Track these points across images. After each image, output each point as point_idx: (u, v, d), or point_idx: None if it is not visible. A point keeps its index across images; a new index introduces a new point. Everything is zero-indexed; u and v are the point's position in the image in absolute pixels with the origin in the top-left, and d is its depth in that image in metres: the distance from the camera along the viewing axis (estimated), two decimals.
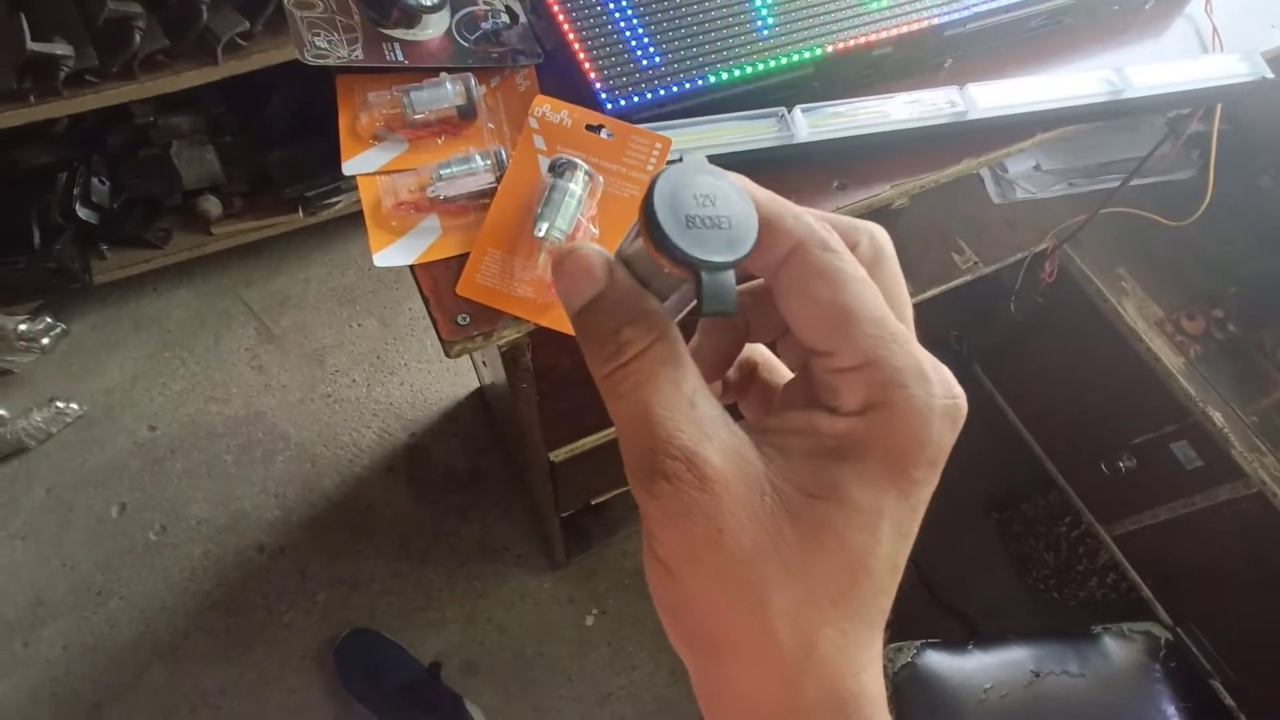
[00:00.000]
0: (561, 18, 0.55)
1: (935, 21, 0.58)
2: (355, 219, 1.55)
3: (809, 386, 0.21)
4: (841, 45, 0.56)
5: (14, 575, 1.30)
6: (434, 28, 0.56)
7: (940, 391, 0.19)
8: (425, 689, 1.21)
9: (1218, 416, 0.98)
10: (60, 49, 1.01)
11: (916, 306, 1.13)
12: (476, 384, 1.51)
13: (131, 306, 1.53)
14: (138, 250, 1.40)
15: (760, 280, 0.24)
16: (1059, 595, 1.37)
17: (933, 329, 1.45)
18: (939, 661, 0.98)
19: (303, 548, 1.36)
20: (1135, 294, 1.08)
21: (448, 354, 0.49)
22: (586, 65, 0.54)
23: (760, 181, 0.21)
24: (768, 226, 0.20)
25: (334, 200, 1.44)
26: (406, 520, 1.40)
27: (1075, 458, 1.28)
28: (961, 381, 0.20)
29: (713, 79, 0.54)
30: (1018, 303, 1.19)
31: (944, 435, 0.20)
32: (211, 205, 1.39)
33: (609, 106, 0.53)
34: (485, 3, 0.57)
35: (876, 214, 0.77)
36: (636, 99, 0.53)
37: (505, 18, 0.57)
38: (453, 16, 0.57)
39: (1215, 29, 0.68)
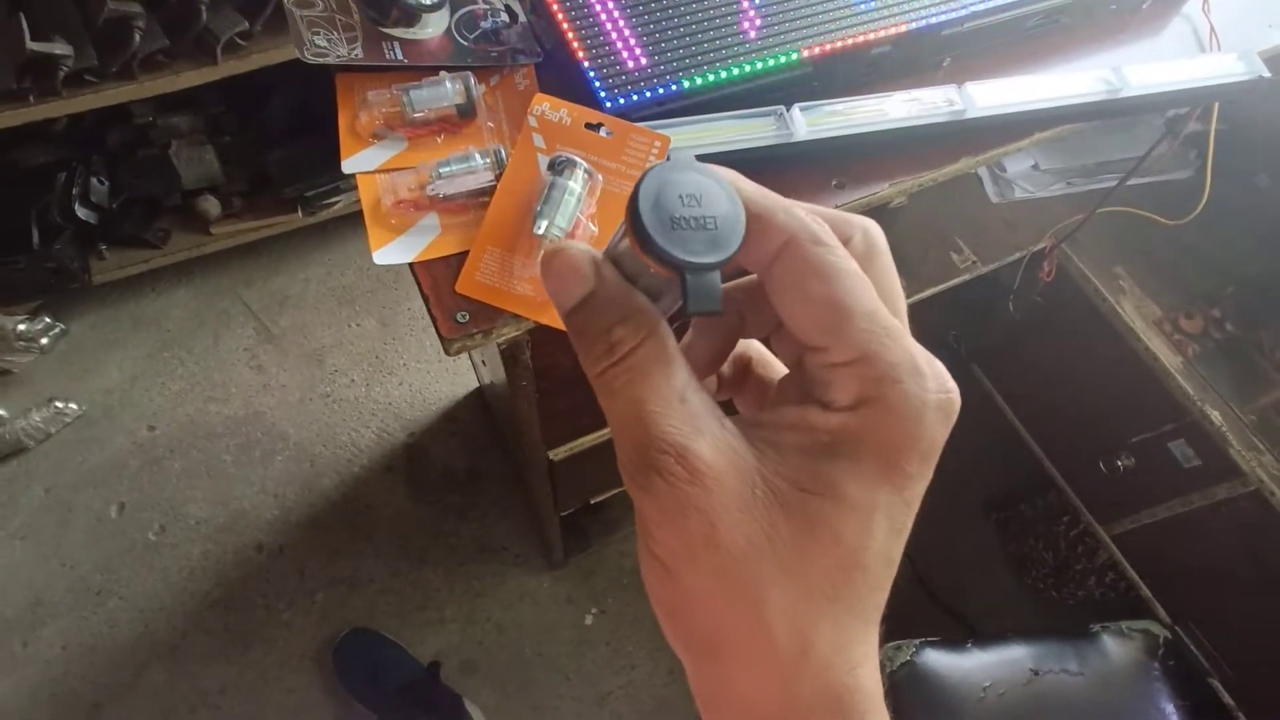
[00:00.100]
0: (560, 16, 0.55)
1: (929, 22, 0.58)
2: (354, 219, 1.55)
3: (803, 382, 0.22)
4: (839, 44, 0.57)
5: (13, 575, 1.30)
6: (433, 26, 0.56)
7: (934, 386, 0.19)
8: (424, 688, 1.22)
9: (1216, 415, 0.98)
10: (60, 49, 1.01)
11: (915, 306, 1.13)
12: (475, 384, 1.51)
13: (130, 306, 1.53)
14: (137, 250, 1.40)
15: (754, 276, 0.24)
16: (1058, 594, 1.37)
17: (931, 328, 1.46)
18: (938, 660, 0.98)
19: (301, 547, 1.36)
20: (1133, 293, 1.08)
21: (447, 352, 0.49)
22: (586, 64, 0.54)
23: (759, 180, 0.21)
24: (758, 222, 0.20)
25: (333, 200, 1.45)
26: (405, 520, 1.40)
27: (1074, 457, 1.28)
28: (960, 381, 0.20)
29: (711, 77, 0.54)
30: (1016, 302, 1.19)
31: (937, 429, 0.20)
32: (211, 205, 1.39)
33: (608, 105, 0.53)
34: (485, 2, 0.58)
35: (875, 212, 0.77)
36: (635, 97, 0.53)
37: (504, 17, 0.57)
38: (452, 15, 0.57)
39: (1213, 28, 0.68)
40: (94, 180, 1.29)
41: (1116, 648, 1.01)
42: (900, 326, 0.20)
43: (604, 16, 0.56)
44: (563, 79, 0.56)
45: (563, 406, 0.78)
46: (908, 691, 0.96)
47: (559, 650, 1.33)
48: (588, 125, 0.52)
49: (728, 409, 0.24)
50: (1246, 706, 1.07)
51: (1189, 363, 1.03)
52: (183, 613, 1.30)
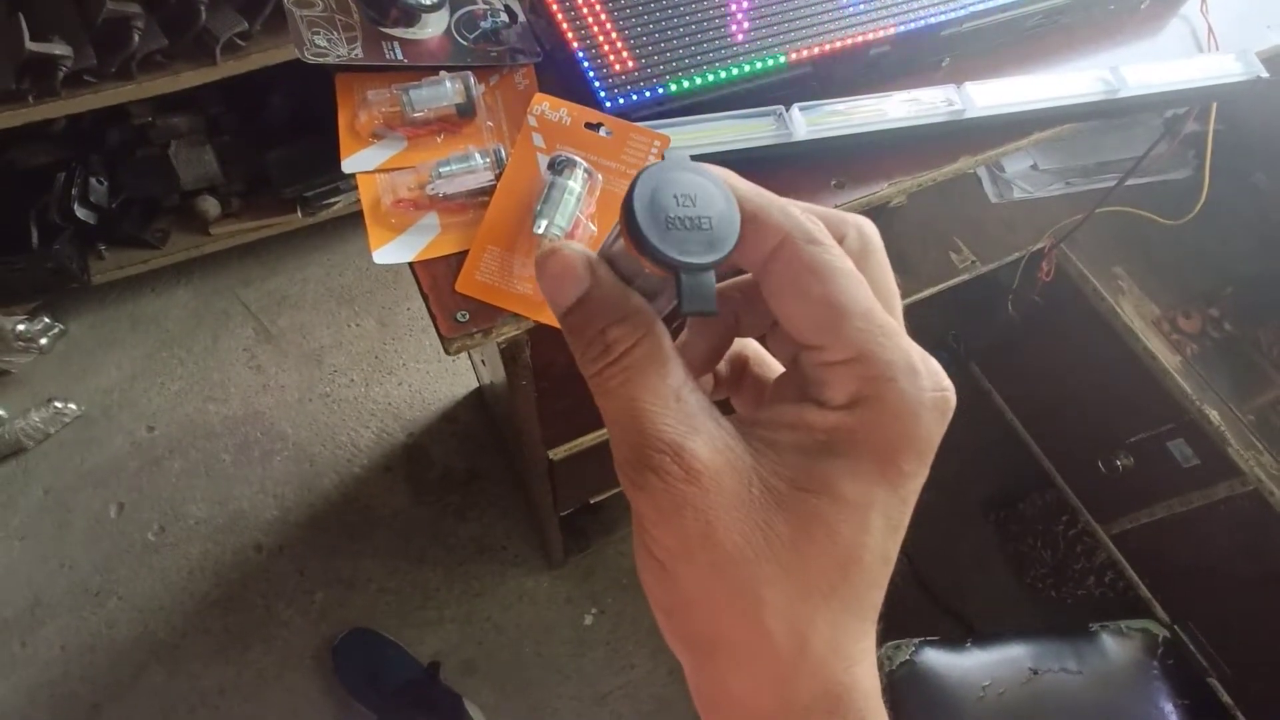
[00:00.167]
0: (560, 16, 0.55)
1: (927, 23, 0.58)
2: (353, 219, 1.55)
3: (799, 380, 0.22)
4: (828, 47, 0.57)
5: (12, 575, 1.30)
6: (433, 27, 0.56)
7: (929, 384, 0.19)
8: (424, 688, 1.22)
9: (1214, 415, 0.98)
10: (59, 49, 1.01)
11: (914, 305, 1.13)
12: (475, 384, 1.51)
13: (129, 306, 1.53)
14: (136, 250, 1.40)
15: (749, 275, 0.24)
16: (1057, 593, 1.37)
17: (930, 328, 1.46)
18: (937, 659, 0.98)
19: (301, 547, 1.36)
20: (1132, 293, 1.08)
21: (447, 351, 0.49)
22: (585, 63, 0.54)
23: (758, 179, 0.21)
24: (753, 221, 0.20)
25: (332, 200, 1.45)
26: (405, 520, 1.40)
27: (1073, 456, 1.29)
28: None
29: (710, 77, 0.55)
30: (1015, 302, 1.19)
31: (933, 428, 0.20)
32: (210, 205, 1.39)
33: (608, 105, 0.53)
34: (484, 2, 0.58)
35: (874, 212, 0.77)
36: (635, 97, 0.53)
37: (504, 17, 0.57)
38: (452, 15, 0.57)
39: (1210, 28, 0.69)
40: (93, 180, 1.29)
41: (1115, 647, 1.01)
42: (896, 325, 0.20)
43: (604, 16, 0.56)
44: (562, 79, 0.56)
45: (562, 406, 0.79)
46: (907, 691, 0.96)
47: (558, 650, 1.33)
48: (587, 125, 0.52)
49: (725, 408, 0.24)
50: (1245, 705, 1.07)
51: (1187, 362, 1.03)
52: (182, 613, 1.30)
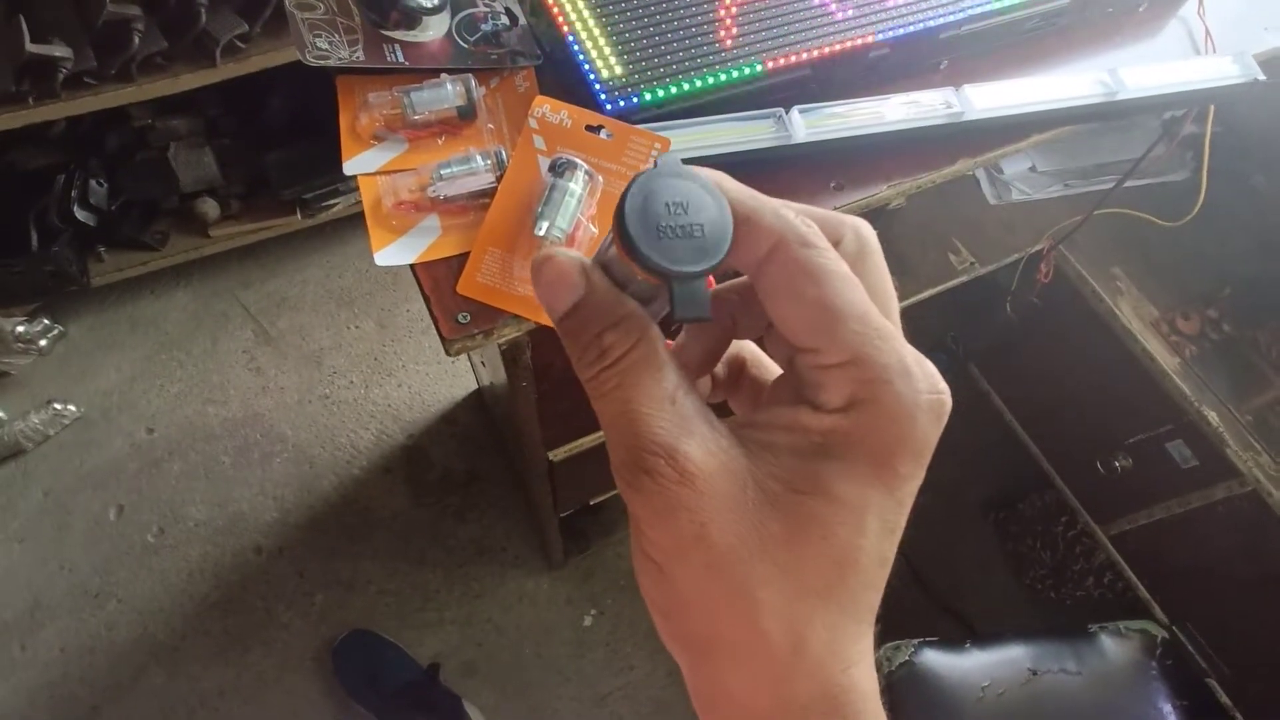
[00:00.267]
0: (560, 19, 0.56)
1: (926, 25, 0.59)
2: (353, 221, 1.55)
3: (795, 383, 0.22)
4: (838, 47, 0.57)
5: (11, 578, 1.30)
6: (434, 29, 0.56)
7: (925, 387, 0.19)
8: (424, 689, 1.22)
9: (1213, 416, 0.99)
10: (59, 51, 1.01)
11: (913, 307, 1.14)
12: (474, 385, 1.51)
13: (129, 308, 1.53)
14: (135, 252, 1.40)
15: (746, 277, 0.24)
16: (1056, 594, 1.37)
17: (929, 329, 1.46)
18: (937, 660, 0.98)
19: (300, 549, 1.36)
20: (1130, 294, 1.08)
21: (448, 352, 0.49)
22: (586, 66, 0.54)
23: (758, 181, 0.21)
24: (746, 224, 0.20)
25: (332, 202, 1.45)
26: (404, 521, 1.40)
27: (1071, 457, 1.29)
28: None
29: (710, 80, 0.55)
30: (1014, 303, 1.20)
31: (929, 430, 0.20)
32: (209, 207, 1.39)
33: (608, 107, 0.53)
34: (485, 4, 0.58)
35: (873, 214, 0.77)
36: (635, 99, 0.53)
37: (505, 19, 0.57)
38: (453, 18, 0.57)
39: (1208, 31, 0.69)
40: (92, 183, 1.29)
41: (1114, 647, 1.01)
42: (891, 328, 0.20)
43: (604, 19, 0.56)
44: (563, 81, 0.56)
45: (562, 407, 0.79)
46: (906, 691, 0.96)
47: (558, 651, 1.33)
48: (588, 127, 0.52)
49: (724, 410, 0.24)
50: (1244, 706, 1.07)
51: (1186, 363, 1.03)
52: (181, 615, 1.30)
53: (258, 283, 1.58)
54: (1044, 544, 1.38)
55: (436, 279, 0.50)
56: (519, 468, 1.35)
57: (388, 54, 0.55)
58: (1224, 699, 1.08)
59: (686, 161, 0.21)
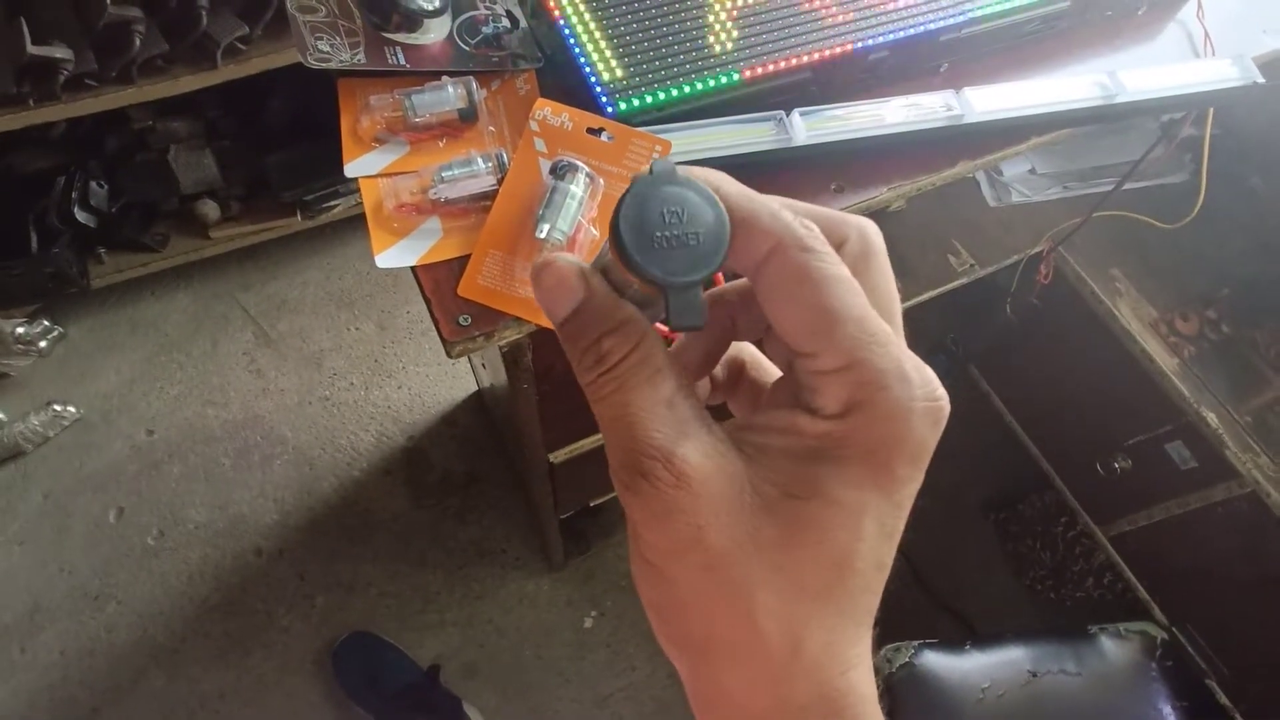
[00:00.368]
0: (561, 22, 0.56)
1: (926, 29, 0.59)
2: (353, 223, 1.56)
3: (793, 386, 0.22)
4: (838, 51, 0.57)
5: (11, 580, 1.30)
6: (435, 32, 0.56)
7: (921, 393, 0.19)
8: (424, 691, 1.21)
9: (1212, 417, 0.99)
10: (60, 53, 1.01)
11: (913, 309, 1.14)
12: (474, 387, 1.51)
13: (129, 310, 1.53)
14: (135, 254, 1.40)
15: (745, 279, 0.24)
16: (1056, 595, 1.37)
17: (929, 331, 1.46)
18: (937, 661, 0.98)
19: (301, 551, 1.36)
20: (1130, 295, 1.09)
21: (449, 354, 0.49)
22: (587, 69, 0.54)
23: (759, 184, 0.21)
24: (744, 227, 0.20)
25: (332, 204, 1.45)
26: (405, 523, 1.40)
27: (1071, 458, 1.29)
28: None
29: (711, 83, 0.55)
30: (1013, 305, 1.20)
31: (925, 435, 0.20)
32: (209, 209, 1.39)
33: (609, 110, 0.53)
34: (486, 7, 0.58)
35: (873, 216, 0.77)
36: (636, 102, 0.53)
37: (506, 22, 0.57)
38: (454, 21, 0.57)
39: (1207, 34, 0.69)
40: (92, 184, 1.29)
41: (1114, 649, 1.01)
42: (889, 332, 0.20)
43: (605, 21, 0.56)
44: (564, 84, 0.56)
45: (563, 409, 0.79)
46: (907, 693, 0.96)
47: (559, 653, 1.33)
48: (589, 130, 0.52)
49: (723, 413, 0.24)
50: (1243, 707, 1.07)
51: (1185, 364, 1.03)
52: (181, 617, 1.30)
53: (258, 284, 1.58)
54: (1044, 545, 1.39)
55: (438, 281, 0.50)
56: (519, 469, 1.35)
57: (389, 56, 0.55)
58: (1224, 700, 1.08)
59: (688, 164, 0.21)
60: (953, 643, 1.01)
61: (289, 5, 0.54)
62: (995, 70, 0.64)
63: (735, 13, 0.57)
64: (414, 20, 0.55)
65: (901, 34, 0.58)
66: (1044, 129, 0.62)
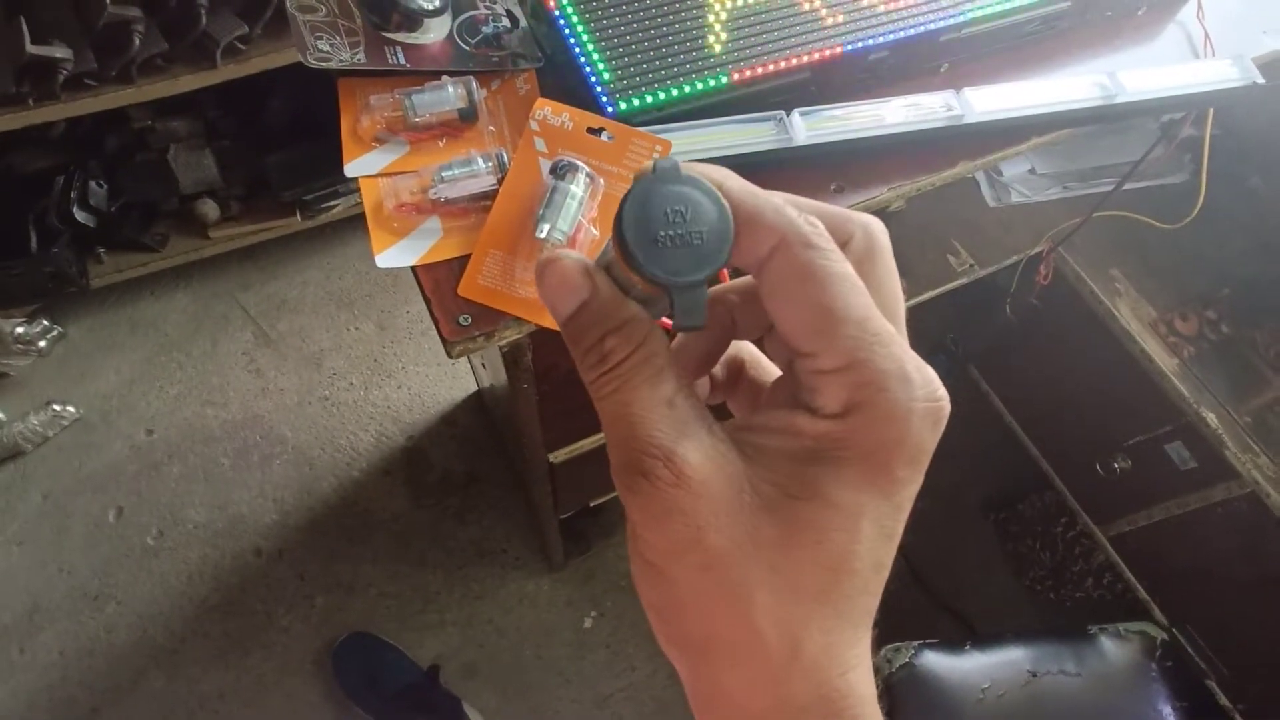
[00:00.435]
0: (561, 22, 0.56)
1: (927, 29, 0.59)
2: (352, 223, 1.56)
3: (793, 386, 0.22)
4: (837, 51, 0.57)
5: (10, 580, 1.30)
6: (435, 32, 0.56)
7: (922, 394, 0.19)
8: (424, 692, 1.21)
9: (1211, 417, 0.99)
10: (59, 52, 1.01)
11: (912, 308, 1.14)
12: (474, 387, 1.51)
13: (128, 310, 1.53)
14: (135, 254, 1.40)
15: (747, 277, 0.24)
16: (1055, 595, 1.37)
17: (928, 331, 1.46)
18: (937, 662, 0.98)
19: (300, 551, 1.36)
20: (1129, 295, 1.09)
21: (449, 354, 0.49)
22: (587, 69, 0.54)
23: (759, 183, 0.21)
24: (747, 223, 0.20)
25: (331, 204, 1.45)
26: (404, 523, 1.40)
27: (1071, 459, 1.29)
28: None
29: (712, 82, 0.55)
30: (1013, 305, 1.20)
31: (925, 436, 0.20)
32: (209, 209, 1.39)
33: (610, 110, 0.53)
34: (486, 7, 0.58)
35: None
36: (637, 102, 0.53)
37: (506, 22, 0.57)
38: (454, 20, 0.57)
39: (1207, 34, 0.69)
40: (92, 184, 1.29)
41: (1114, 649, 1.01)
42: (891, 332, 0.20)
43: (605, 21, 0.56)
44: (564, 84, 0.56)
45: (563, 409, 0.79)
46: (907, 693, 0.96)
47: (559, 653, 1.33)
48: (589, 130, 0.52)
49: (722, 413, 0.24)
50: (1243, 707, 1.07)
51: (1185, 365, 1.03)
52: (181, 618, 1.29)
53: (257, 284, 1.58)
54: (1043, 545, 1.39)
55: (438, 281, 0.50)
56: (519, 469, 1.35)
57: (389, 56, 0.55)
58: (1223, 700, 1.08)
59: (691, 162, 0.21)
60: (952, 643, 1.01)
61: (289, 5, 0.54)
62: (995, 70, 0.64)
63: (735, 12, 0.57)
64: (414, 20, 0.55)
65: (901, 34, 0.58)
66: (1044, 129, 0.62)
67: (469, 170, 0.51)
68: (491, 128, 0.55)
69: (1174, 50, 0.69)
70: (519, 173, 0.52)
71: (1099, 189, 1.09)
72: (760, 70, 0.56)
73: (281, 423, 1.45)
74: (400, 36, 0.55)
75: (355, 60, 0.54)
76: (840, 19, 0.58)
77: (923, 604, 1.39)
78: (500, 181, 0.51)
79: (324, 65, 0.53)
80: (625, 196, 0.20)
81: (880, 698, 0.22)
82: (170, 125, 1.31)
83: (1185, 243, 1.07)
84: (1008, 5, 0.61)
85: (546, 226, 0.48)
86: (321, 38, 0.54)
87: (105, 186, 1.31)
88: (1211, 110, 0.80)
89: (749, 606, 0.19)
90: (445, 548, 1.38)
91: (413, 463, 1.45)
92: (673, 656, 0.22)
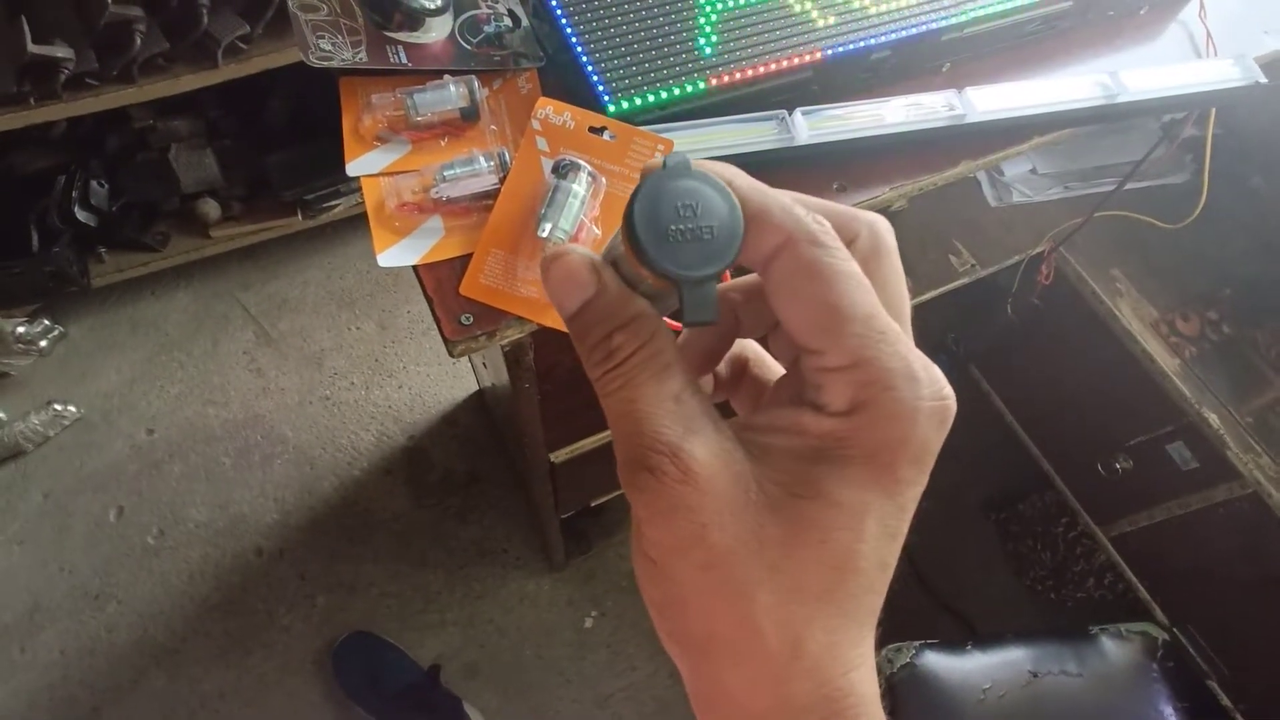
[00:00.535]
0: (564, 21, 0.56)
1: (928, 29, 0.59)
2: (353, 222, 1.56)
3: (798, 384, 0.21)
4: (839, 50, 0.57)
5: (11, 580, 1.30)
6: (437, 31, 0.56)
7: (928, 393, 0.19)
8: (425, 691, 1.21)
9: (1213, 418, 0.99)
10: (61, 52, 1.01)
11: (914, 309, 1.14)
12: (475, 386, 1.51)
13: (129, 309, 1.53)
14: (136, 253, 1.40)
15: (752, 276, 0.24)
16: (1056, 595, 1.37)
17: (930, 331, 1.46)
18: (938, 662, 0.98)
19: (301, 551, 1.36)
20: (1130, 295, 1.08)
21: (451, 354, 0.49)
22: (589, 68, 0.54)
23: (761, 182, 0.21)
24: (755, 221, 0.20)
25: (332, 203, 1.45)
26: (405, 523, 1.40)
27: (1072, 459, 1.29)
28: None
29: (714, 81, 0.55)
30: (1014, 305, 1.20)
31: (931, 435, 0.19)
32: (210, 208, 1.39)
33: (611, 109, 0.53)
34: (488, 6, 0.58)
35: None
36: (639, 101, 0.53)
37: (508, 21, 0.57)
38: (456, 20, 0.57)
39: (1209, 34, 0.69)
40: (93, 184, 1.29)
41: (1115, 649, 1.01)
42: (897, 330, 0.20)
43: (607, 20, 0.56)
44: (566, 83, 0.56)
45: (564, 408, 0.79)
46: (908, 693, 0.96)
47: (559, 653, 1.33)
48: (591, 129, 0.52)
49: (725, 410, 0.24)
50: (1245, 708, 1.07)
51: (1186, 365, 1.03)
52: (182, 617, 1.29)
53: (258, 284, 1.58)
54: (1044, 545, 1.39)
55: (439, 280, 0.50)
56: (520, 469, 1.35)
57: (391, 55, 0.55)
58: (1225, 701, 1.08)
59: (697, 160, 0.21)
60: (954, 643, 1.01)
61: (290, 4, 0.54)
62: (997, 70, 0.64)
63: (736, 12, 0.57)
64: (416, 19, 0.55)
65: (903, 33, 0.58)
66: (1046, 129, 0.62)
67: (471, 169, 0.51)
68: (493, 127, 0.55)
69: (1176, 50, 0.69)
70: (521, 172, 0.52)
71: (1100, 189, 1.09)
72: (762, 69, 0.56)
73: (283, 422, 1.45)
74: (402, 36, 0.55)
75: (357, 59, 0.54)
76: (841, 19, 0.58)
77: (923, 604, 1.39)
78: (502, 181, 0.51)
79: (326, 64, 0.53)
80: (635, 191, 0.20)
81: (881, 698, 0.22)
82: (171, 125, 1.31)
83: (1187, 243, 1.07)
84: (1009, 5, 0.61)
85: (549, 226, 0.48)
86: (323, 37, 0.54)
87: (106, 186, 1.31)
88: (1213, 110, 0.80)
89: (750, 605, 0.19)
90: (446, 547, 1.38)
91: (414, 462, 1.45)
92: (674, 654, 0.22)
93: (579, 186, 0.49)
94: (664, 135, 0.52)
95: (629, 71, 0.54)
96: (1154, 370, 1.03)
